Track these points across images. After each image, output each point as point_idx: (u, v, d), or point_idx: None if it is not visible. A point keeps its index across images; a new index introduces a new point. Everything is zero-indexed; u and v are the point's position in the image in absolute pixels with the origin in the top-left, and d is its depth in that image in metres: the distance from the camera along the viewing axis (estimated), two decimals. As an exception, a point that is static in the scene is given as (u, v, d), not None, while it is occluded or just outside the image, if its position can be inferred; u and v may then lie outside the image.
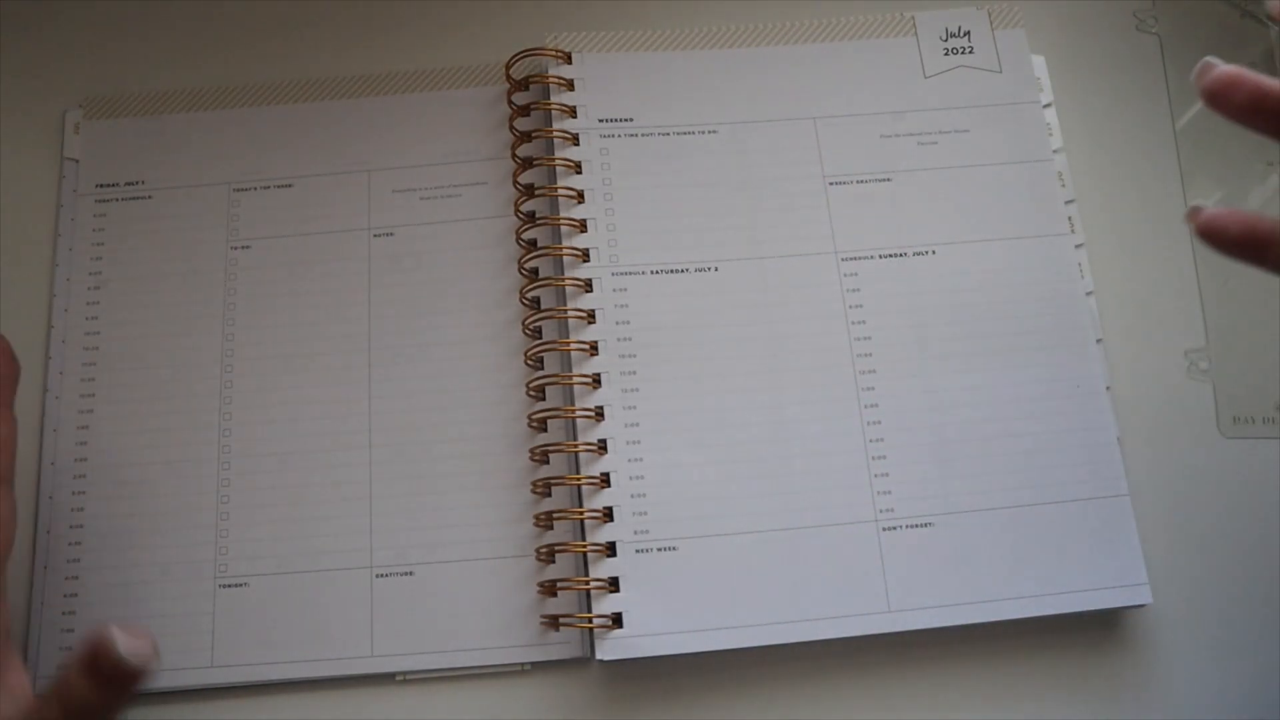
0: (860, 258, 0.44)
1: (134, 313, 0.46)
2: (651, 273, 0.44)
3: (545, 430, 0.43)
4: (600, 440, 0.41)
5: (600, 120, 0.46)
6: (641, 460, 0.41)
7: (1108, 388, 0.43)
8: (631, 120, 0.46)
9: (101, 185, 0.48)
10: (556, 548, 0.41)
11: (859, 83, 0.47)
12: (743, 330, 0.43)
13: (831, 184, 0.45)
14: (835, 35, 0.48)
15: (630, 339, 0.43)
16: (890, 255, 0.44)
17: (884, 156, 0.46)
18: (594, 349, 0.42)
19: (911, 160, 0.46)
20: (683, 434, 0.42)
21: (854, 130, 0.46)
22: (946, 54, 0.47)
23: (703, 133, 0.46)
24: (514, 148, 0.46)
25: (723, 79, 0.47)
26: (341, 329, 0.45)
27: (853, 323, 0.43)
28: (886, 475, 0.41)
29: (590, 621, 0.39)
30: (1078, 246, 0.45)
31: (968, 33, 0.48)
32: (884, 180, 0.45)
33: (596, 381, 0.42)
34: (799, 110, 0.46)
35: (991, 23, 0.48)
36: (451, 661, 0.40)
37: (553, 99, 0.46)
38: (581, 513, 0.41)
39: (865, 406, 0.42)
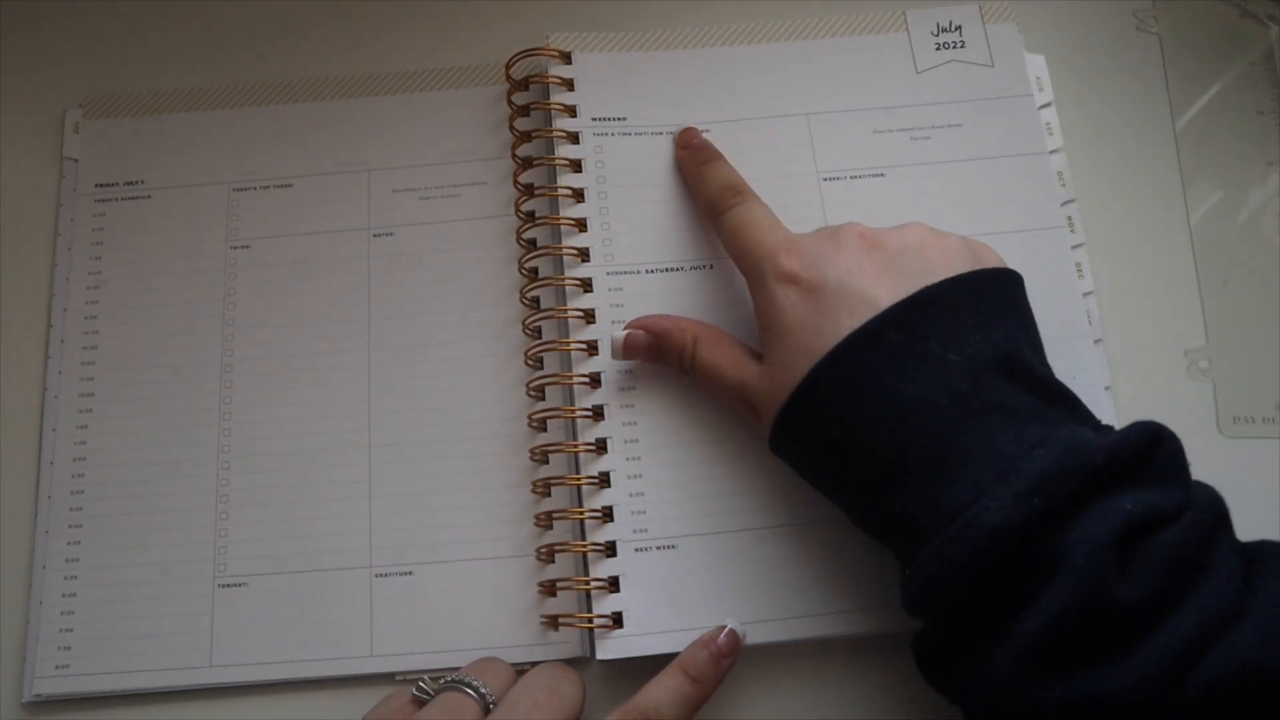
0: None
1: (134, 313, 0.46)
2: (647, 271, 0.44)
3: (545, 430, 0.43)
4: (600, 440, 0.41)
5: (594, 119, 0.46)
6: (640, 459, 0.41)
7: (1107, 388, 0.43)
8: (625, 120, 0.46)
9: (101, 185, 0.48)
10: (556, 548, 0.41)
11: (851, 79, 0.47)
12: (739, 328, 0.43)
13: (825, 180, 0.45)
14: (827, 32, 0.48)
15: (629, 338, 0.43)
16: None
17: (877, 152, 0.46)
18: (593, 349, 0.42)
19: (905, 155, 0.46)
20: (681, 432, 0.41)
21: (847, 126, 0.46)
22: (938, 49, 0.48)
23: None
24: (514, 147, 0.46)
25: (715, 77, 0.47)
26: (341, 329, 0.45)
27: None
28: (886, 475, 0.41)
29: (590, 621, 0.39)
30: (1077, 246, 0.45)
31: (959, 27, 0.48)
32: (877, 175, 0.45)
33: (596, 381, 0.42)
34: (792, 107, 0.46)
35: (983, 17, 0.48)
36: (451, 661, 0.40)
37: (552, 98, 0.46)
38: (581, 513, 0.41)
39: None
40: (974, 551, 0.29)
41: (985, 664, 0.30)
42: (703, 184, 0.42)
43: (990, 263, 0.35)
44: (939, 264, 0.34)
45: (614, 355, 0.41)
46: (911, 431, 0.32)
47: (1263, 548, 0.32)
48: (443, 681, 0.35)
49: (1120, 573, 0.29)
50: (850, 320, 0.33)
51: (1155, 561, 0.29)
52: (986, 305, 0.34)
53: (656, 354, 0.41)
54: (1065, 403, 0.33)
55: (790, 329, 0.35)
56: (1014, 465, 0.30)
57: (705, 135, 0.46)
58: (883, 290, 0.33)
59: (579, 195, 0.44)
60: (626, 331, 0.40)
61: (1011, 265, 0.44)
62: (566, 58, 0.47)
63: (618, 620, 0.39)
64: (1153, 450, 0.31)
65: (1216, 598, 0.29)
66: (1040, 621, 0.29)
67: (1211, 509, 0.31)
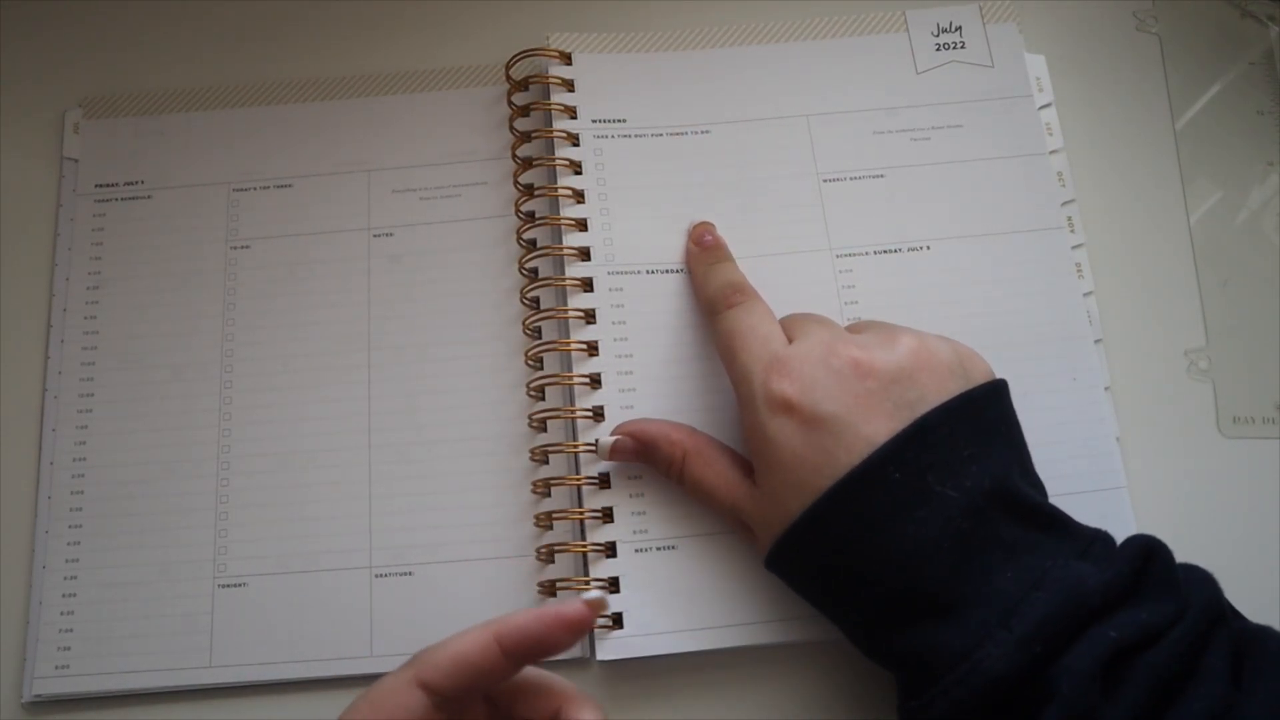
0: (855, 254, 0.44)
1: (133, 313, 0.46)
2: (647, 272, 0.44)
3: (545, 430, 0.43)
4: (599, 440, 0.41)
5: (594, 121, 0.46)
6: (641, 460, 0.41)
7: (1107, 388, 0.43)
8: (625, 121, 0.46)
9: (101, 185, 0.48)
10: (556, 548, 0.41)
11: (851, 80, 0.47)
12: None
13: (825, 181, 0.45)
14: (827, 32, 0.48)
15: (627, 339, 0.43)
16: (885, 251, 0.44)
17: (877, 153, 0.46)
18: (593, 349, 0.42)
19: (905, 156, 0.46)
20: (682, 434, 0.41)
21: (847, 127, 0.46)
22: (938, 49, 0.48)
23: (696, 133, 0.46)
24: (514, 148, 0.46)
25: (715, 79, 0.47)
26: (341, 329, 0.45)
27: (848, 320, 0.43)
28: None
29: (590, 621, 0.39)
30: (1077, 246, 0.45)
31: (959, 28, 0.48)
32: (878, 176, 0.45)
33: (596, 382, 0.42)
34: (792, 108, 0.46)
35: (983, 17, 0.48)
36: (451, 661, 0.40)
37: (552, 99, 0.46)
38: (582, 513, 0.41)
39: None
40: (979, 696, 0.30)
41: None
42: (706, 281, 0.41)
43: (978, 375, 0.35)
44: (931, 389, 0.34)
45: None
46: (912, 572, 0.32)
47: (1263, 639, 0.32)
48: None
49: (1108, 695, 0.29)
50: (847, 457, 0.33)
51: (1141, 681, 0.30)
52: (980, 431, 0.34)
53: (644, 460, 0.40)
54: (1055, 527, 0.33)
55: (784, 463, 0.34)
56: (1015, 609, 0.31)
57: (705, 134, 0.46)
58: (880, 425, 0.33)
59: (579, 196, 0.44)
60: (615, 438, 0.40)
61: (1012, 265, 0.44)
62: (567, 58, 0.47)
63: (618, 621, 0.39)
64: (1145, 569, 0.32)
65: (1199, 703, 0.29)
66: None
67: (1206, 612, 0.31)
